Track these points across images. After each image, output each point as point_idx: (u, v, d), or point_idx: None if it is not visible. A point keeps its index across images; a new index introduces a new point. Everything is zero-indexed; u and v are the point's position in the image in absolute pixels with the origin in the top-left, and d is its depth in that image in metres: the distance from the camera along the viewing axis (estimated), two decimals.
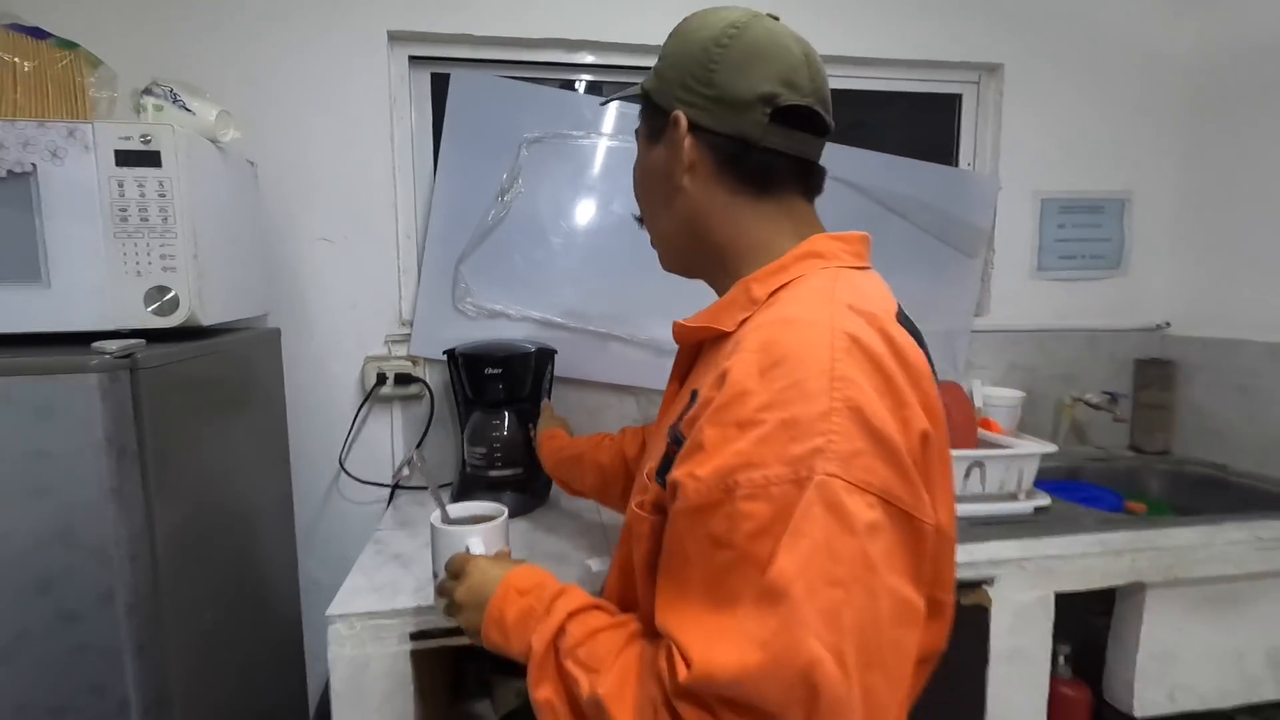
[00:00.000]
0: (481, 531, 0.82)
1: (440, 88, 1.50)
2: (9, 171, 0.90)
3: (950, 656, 1.11)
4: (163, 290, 0.95)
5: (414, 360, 1.47)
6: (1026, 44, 1.67)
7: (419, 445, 1.48)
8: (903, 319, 0.60)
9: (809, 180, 0.69)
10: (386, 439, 1.49)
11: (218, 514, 1.07)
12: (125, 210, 0.93)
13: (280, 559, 1.34)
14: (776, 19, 0.68)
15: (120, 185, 0.93)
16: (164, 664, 0.88)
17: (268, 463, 1.29)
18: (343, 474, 1.46)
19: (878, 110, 1.75)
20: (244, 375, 1.20)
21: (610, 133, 1.52)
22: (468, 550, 0.80)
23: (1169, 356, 1.77)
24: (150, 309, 0.95)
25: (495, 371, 1.29)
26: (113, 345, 0.83)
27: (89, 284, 0.93)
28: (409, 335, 1.47)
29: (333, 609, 0.93)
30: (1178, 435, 1.77)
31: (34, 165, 0.90)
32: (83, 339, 0.88)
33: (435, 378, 1.49)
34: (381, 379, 1.45)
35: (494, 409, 1.32)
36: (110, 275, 0.93)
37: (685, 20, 0.69)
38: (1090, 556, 1.15)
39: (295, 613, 1.42)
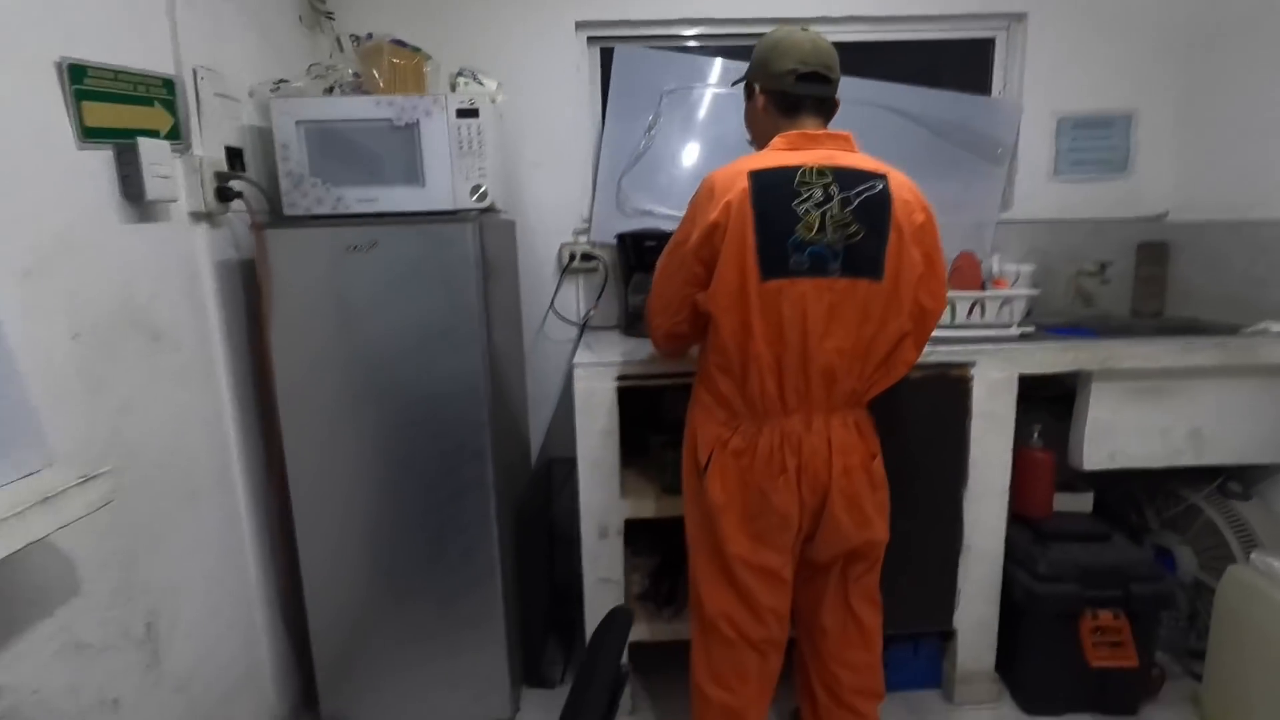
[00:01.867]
0: None
1: (607, 58, 2.20)
2: (406, 123, 1.68)
3: (943, 413, 1.75)
4: (478, 187, 1.72)
5: (592, 244, 2.22)
6: None
7: (598, 299, 2.24)
8: (767, 172, 1.22)
9: (823, 108, 1.33)
10: (574, 297, 2.26)
11: (499, 316, 1.86)
12: (461, 143, 1.69)
13: (516, 366, 2.15)
14: (805, 29, 1.32)
15: (459, 129, 1.68)
16: (496, 410, 1.69)
17: (510, 306, 2.08)
18: (551, 314, 2.25)
19: (938, 54, 2.28)
20: (503, 245, 1.98)
21: (716, 84, 2.19)
22: None
23: (1164, 240, 2.25)
24: (473, 198, 1.71)
25: (652, 244, 2.01)
26: (474, 211, 1.61)
27: (443, 184, 1.70)
28: (589, 228, 2.22)
29: (576, 360, 1.70)
30: (1169, 301, 2.25)
31: (418, 120, 1.68)
32: (441, 215, 1.66)
33: (606, 256, 2.23)
34: (572, 257, 2.21)
35: (649, 270, 2.04)
36: (454, 179, 1.70)
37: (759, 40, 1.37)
38: (1043, 351, 1.74)
39: (523, 395, 2.24)
